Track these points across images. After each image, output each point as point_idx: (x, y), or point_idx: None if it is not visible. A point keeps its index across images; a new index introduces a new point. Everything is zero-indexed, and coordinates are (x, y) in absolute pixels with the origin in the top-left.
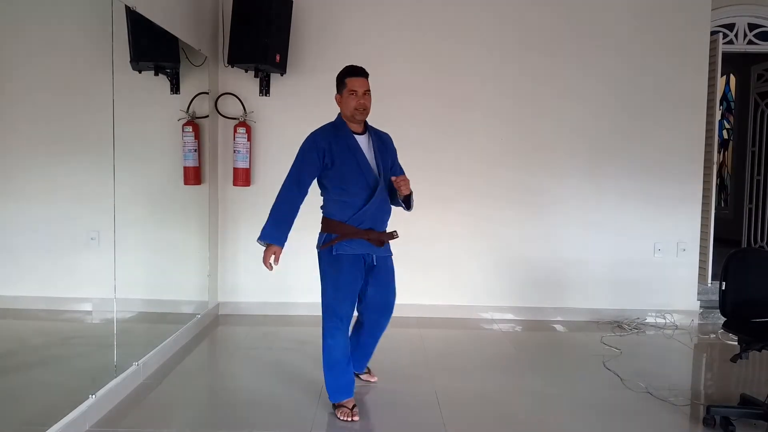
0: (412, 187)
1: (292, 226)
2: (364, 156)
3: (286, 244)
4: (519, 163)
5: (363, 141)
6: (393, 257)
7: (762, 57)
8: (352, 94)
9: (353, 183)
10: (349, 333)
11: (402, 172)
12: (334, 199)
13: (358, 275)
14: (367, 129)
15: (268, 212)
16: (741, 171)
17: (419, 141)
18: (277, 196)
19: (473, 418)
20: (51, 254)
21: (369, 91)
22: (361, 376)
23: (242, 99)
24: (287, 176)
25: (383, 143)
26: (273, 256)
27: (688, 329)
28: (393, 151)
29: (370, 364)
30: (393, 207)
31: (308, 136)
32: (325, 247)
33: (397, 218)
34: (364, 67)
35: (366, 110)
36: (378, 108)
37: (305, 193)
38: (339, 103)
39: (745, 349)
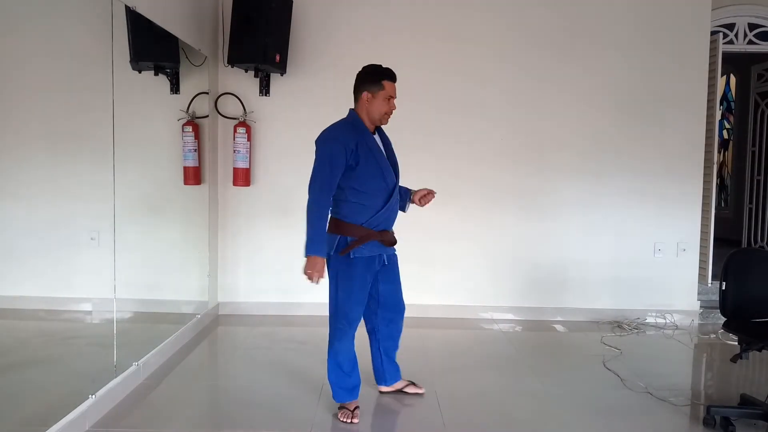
0: (410, 185)
1: (293, 225)
2: (384, 157)
3: (286, 243)
4: (519, 163)
5: (377, 141)
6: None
7: (762, 57)
8: (388, 99)
9: (373, 185)
10: (368, 345)
11: None
12: (348, 201)
13: (370, 278)
14: (376, 128)
15: (311, 223)
16: (741, 171)
17: (419, 142)
18: (314, 206)
19: (473, 418)
20: (51, 254)
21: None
22: (406, 390)
23: (242, 99)
24: (318, 183)
25: (388, 142)
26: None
27: (688, 329)
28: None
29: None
30: None
31: (328, 137)
32: (345, 252)
33: (399, 218)
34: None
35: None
36: None
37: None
38: (366, 101)
39: (745, 349)
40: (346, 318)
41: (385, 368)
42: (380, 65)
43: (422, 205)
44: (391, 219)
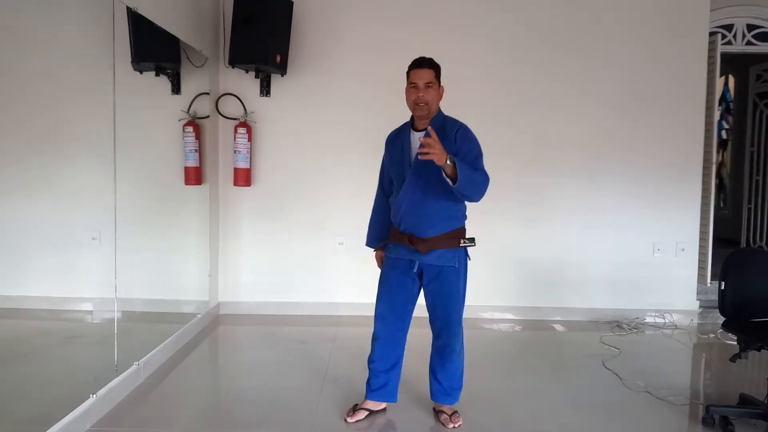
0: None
1: (294, 225)
2: (409, 154)
3: (287, 243)
4: (519, 163)
5: (417, 137)
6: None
7: (760, 57)
8: (413, 86)
9: (397, 184)
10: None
11: (474, 161)
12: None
13: (400, 280)
14: (433, 124)
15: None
16: (740, 171)
17: None
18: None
19: (473, 417)
20: (52, 254)
21: (432, 83)
22: (440, 416)
23: (243, 99)
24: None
25: (443, 136)
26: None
27: (687, 329)
28: (456, 142)
29: (459, 408)
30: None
31: None
32: (378, 249)
33: None
34: (367, 64)
35: (427, 104)
36: (379, 108)
37: (390, 193)
38: (406, 96)
39: (744, 348)
40: (376, 314)
41: (430, 382)
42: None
43: (430, 159)
44: (416, 222)
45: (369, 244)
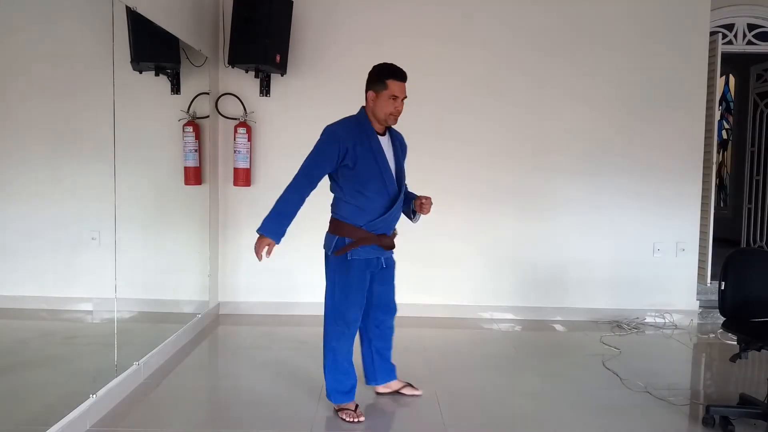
0: (410, 185)
1: (293, 225)
2: (386, 160)
3: (287, 242)
4: (519, 163)
5: (384, 143)
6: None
7: (761, 57)
8: (393, 99)
9: (372, 188)
10: (356, 342)
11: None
12: (348, 203)
13: (366, 280)
14: (387, 129)
15: (276, 203)
16: (740, 171)
17: (419, 142)
18: (287, 188)
19: (473, 418)
20: (52, 254)
21: (406, 97)
22: (402, 391)
23: (243, 99)
24: (300, 169)
25: (400, 145)
26: (267, 248)
27: (687, 329)
28: (403, 151)
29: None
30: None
31: (327, 129)
32: (340, 253)
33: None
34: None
35: (398, 116)
36: None
37: (315, 187)
38: (371, 100)
39: (745, 348)
40: (344, 319)
41: (377, 367)
42: (389, 64)
43: (426, 213)
44: (391, 224)
45: (273, 235)
